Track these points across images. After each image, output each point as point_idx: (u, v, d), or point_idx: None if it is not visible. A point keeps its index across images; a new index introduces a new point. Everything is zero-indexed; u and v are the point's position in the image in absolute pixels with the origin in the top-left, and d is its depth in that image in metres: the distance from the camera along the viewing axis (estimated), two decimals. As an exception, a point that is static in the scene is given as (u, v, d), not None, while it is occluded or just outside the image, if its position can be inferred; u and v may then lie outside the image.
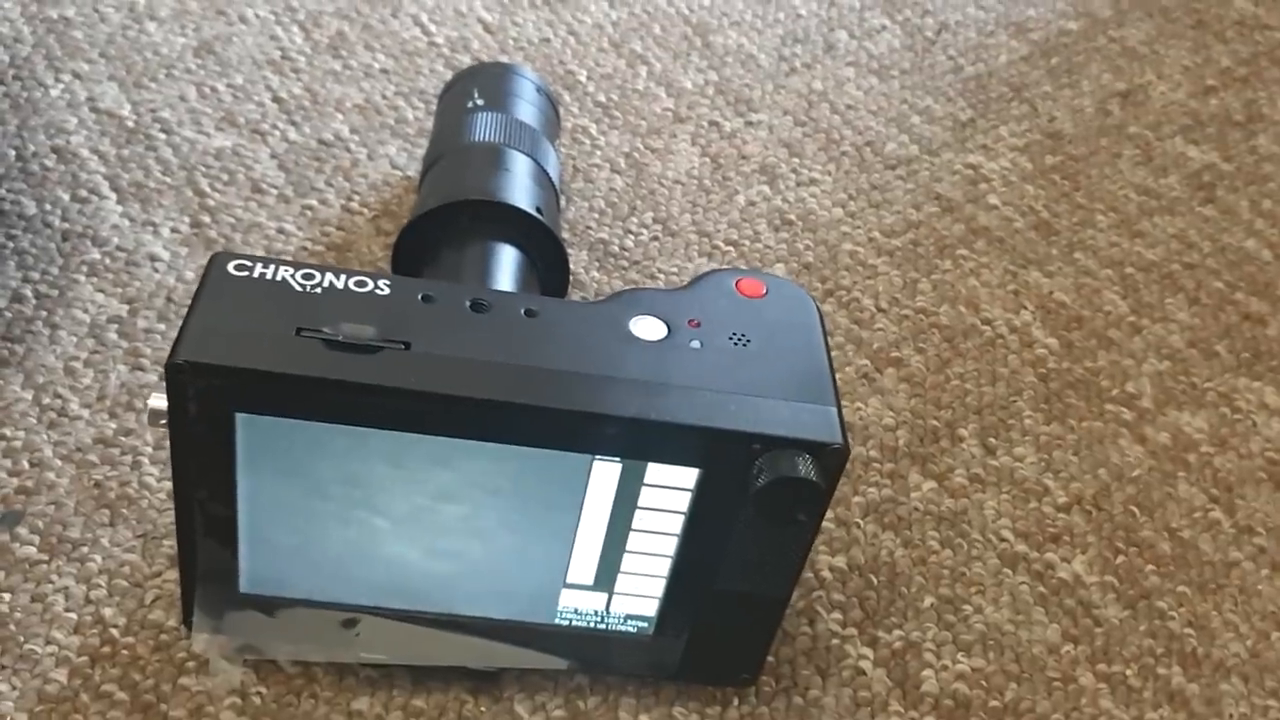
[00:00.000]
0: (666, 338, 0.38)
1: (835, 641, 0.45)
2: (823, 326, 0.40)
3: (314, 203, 0.57)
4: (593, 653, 0.41)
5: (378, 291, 0.37)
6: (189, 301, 0.52)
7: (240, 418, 0.35)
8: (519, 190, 0.49)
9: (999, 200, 0.63)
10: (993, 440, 0.53)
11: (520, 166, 0.50)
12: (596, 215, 0.59)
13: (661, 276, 0.56)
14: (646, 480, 0.37)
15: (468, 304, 0.37)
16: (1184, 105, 0.70)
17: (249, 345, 0.34)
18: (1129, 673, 0.46)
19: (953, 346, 0.56)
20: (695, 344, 0.38)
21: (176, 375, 0.34)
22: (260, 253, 0.54)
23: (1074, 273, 0.60)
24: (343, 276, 0.37)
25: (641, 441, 0.36)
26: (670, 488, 0.37)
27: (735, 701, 0.43)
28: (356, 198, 0.57)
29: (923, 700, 0.44)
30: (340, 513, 0.37)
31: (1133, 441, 0.53)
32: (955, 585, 0.48)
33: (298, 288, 0.36)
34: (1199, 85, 0.72)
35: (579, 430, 0.36)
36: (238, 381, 0.34)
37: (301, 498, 0.37)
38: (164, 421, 0.35)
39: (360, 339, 0.35)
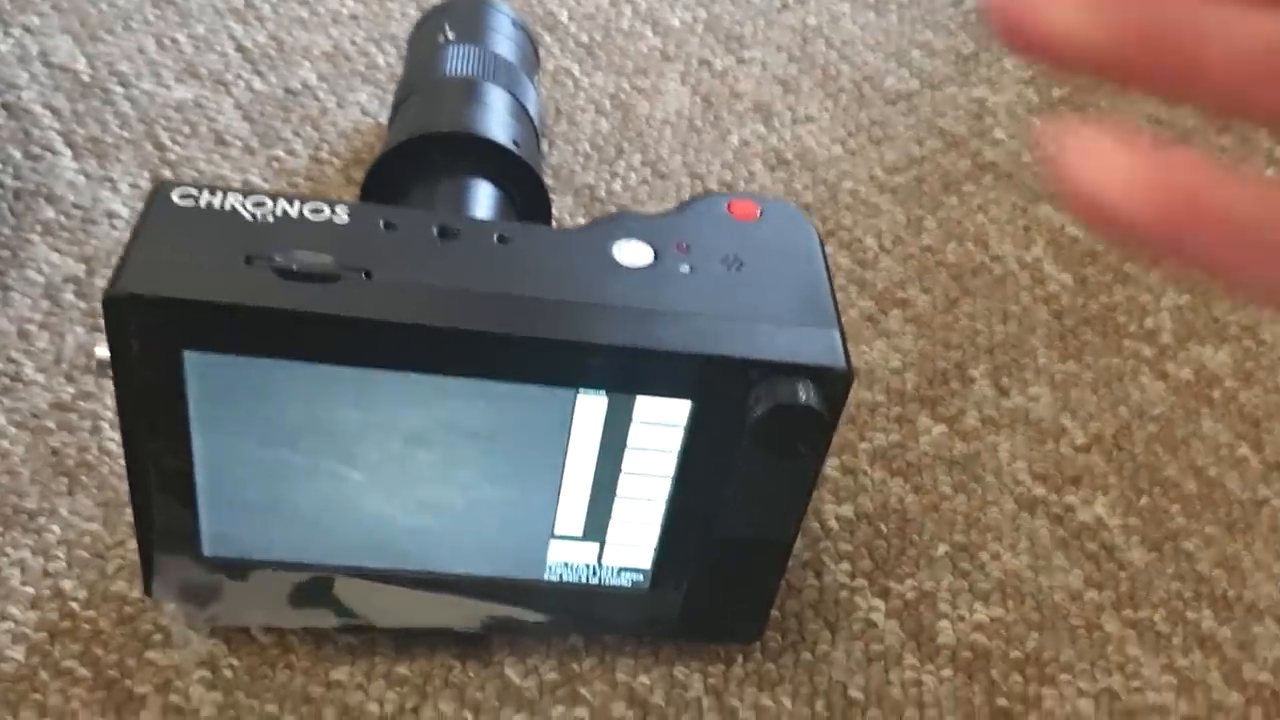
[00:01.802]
0: (653, 263, 0.35)
1: (844, 594, 0.42)
2: (822, 248, 0.37)
3: (281, 153, 0.54)
4: (586, 610, 0.39)
5: (335, 219, 0.34)
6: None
7: (190, 356, 0.32)
8: (495, 123, 0.46)
9: (1005, 134, 0.60)
10: (1005, 380, 0.50)
11: (497, 100, 0.47)
12: (582, 159, 0.56)
13: (651, 220, 0.53)
14: (635, 416, 0.34)
15: (435, 230, 0.35)
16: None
17: (195, 276, 0.31)
18: (1156, 618, 0.43)
19: (961, 285, 0.53)
20: (684, 268, 0.35)
21: (117, 309, 0.31)
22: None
23: (1086, 206, 0.57)
24: (296, 203, 0.34)
25: (628, 372, 0.33)
26: (661, 424, 0.34)
27: (740, 659, 0.40)
28: (326, 146, 0.54)
29: (939, 653, 0.41)
30: (307, 463, 0.35)
31: (1153, 378, 0.51)
32: (970, 532, 0.45)
33: (248, 216, 0.33)
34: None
35: (560, 361, 0.33)
36: (183, 313, 0.31)
37: (263, 448, 0.34)
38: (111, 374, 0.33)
39: (316, 268, 0.32)
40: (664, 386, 0.33)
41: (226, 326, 0.31)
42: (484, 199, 0.43)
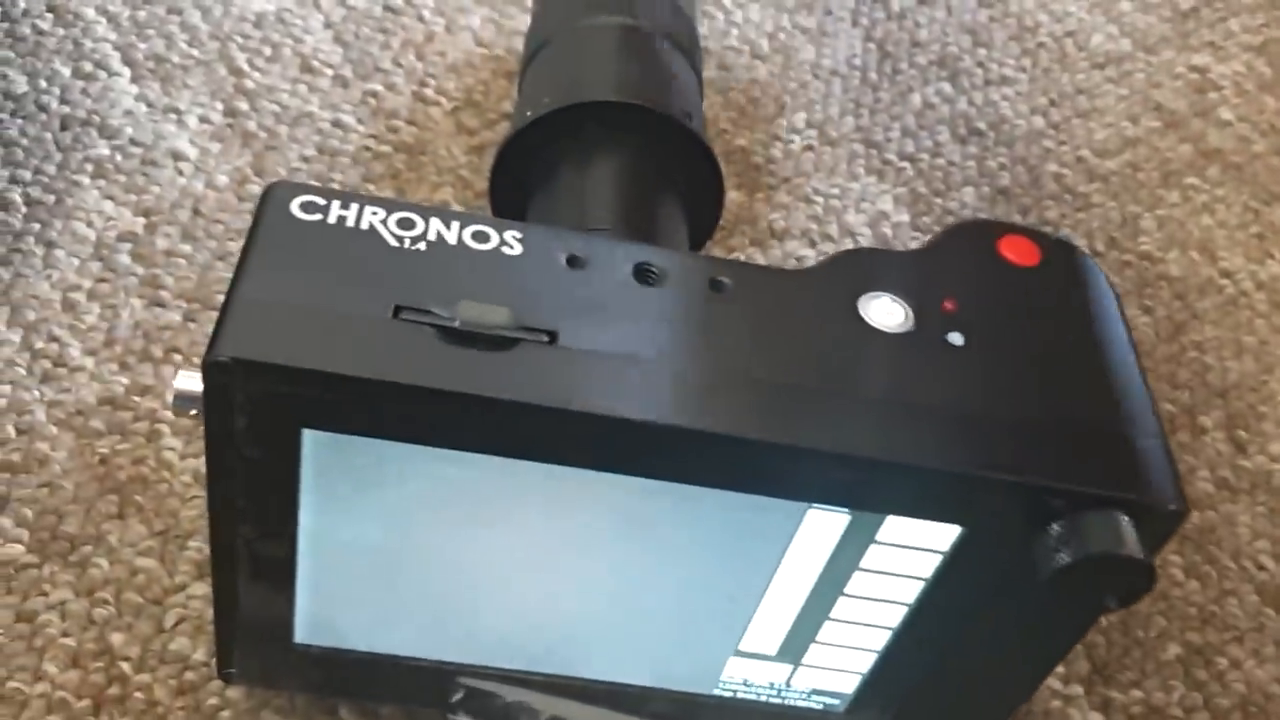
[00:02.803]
0: (914, 330, 0.26)
1: (1056, 704, 0.35)
2: (1122, 313, 0.29)
3: (378, 87, 0.44)
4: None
5: (505, 250, 0.25)
6: (220, 215, 0.40)
7: (310, 436, 0.24)
8: (662, 87, 0.37)
9: (1232, 115, 0.50)
10: (1242, 434, 0.41)
11: (659, 53, 0.38)
12: (734, 115, 0.46)
13: (820, 200, 0.44)
14: (880, 536, 0.26)
15: (630, 270, 0.26)
16: None
17: (327, 333, 0.23)
18: None
19: (1187, 305, 0.44)
20: (955, 338, 0.27)
21: (221, 377, 0.22)
22: (312, 152, 0.42)
23: (1329, 212, 0.48)
24: (454, 225, 0.25)
25: (882, 489, 0.25)
26: (914, 548, 0.26)
27: (934, 786, 0.33)
28: (432, 83, 0.45)
29: (1171, 788, 0.34)
30: (440, 557, 0.27)
31: None
32: (1205, 629, 0.37)
33: (393, 241, 0.25)
34: None
35: (794, 472, 0.24)
36: (310, 389, 0.23)
37: (386, 536, 0.26)
38: (195, 412, 0.24)
39: (488, 326, 0.23)
40: (928, 509, 0.25)
41: (366, 405, 0.23)
42: (650, 190, 0.35)
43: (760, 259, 0.42)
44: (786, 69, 0.48)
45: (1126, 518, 0.24)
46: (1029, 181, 0.46)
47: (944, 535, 0.26)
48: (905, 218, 0.44)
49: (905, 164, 0.46)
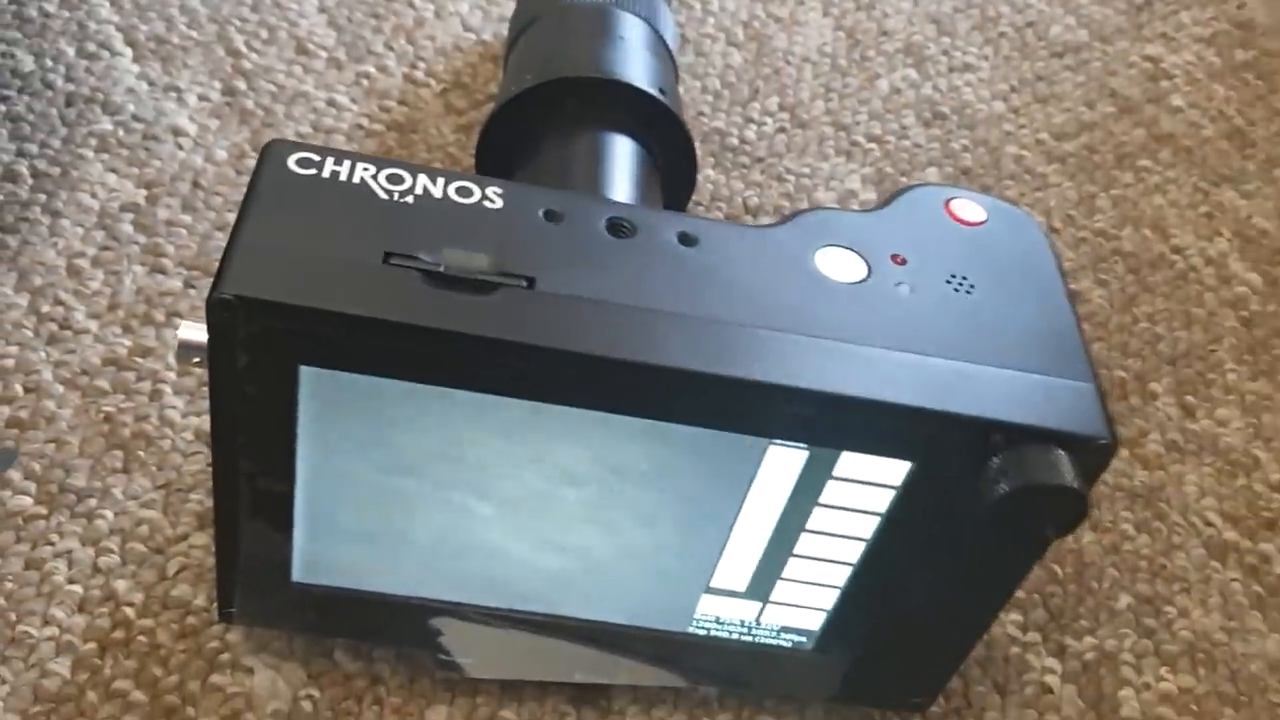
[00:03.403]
0: (865, 279, 0.29)
1: (1015, 650, 0.37)
2: (1060, 266, 0.31)
3: (371, 69, 0.46)
4: (732, 668, 0.33)
5: (487, 203, 0.27)
6: (219, 188, 0.42)
7: (306, 372, 0.26)
8: (636, 64, 0.39)
9: (1184, 101, 0.52)
10: (1190, 398, 0.43)
11: (635, 33, 0.40)
12: (711, 98, 0.48)
13: (791, 179, 0.46)
14: (836, 472, 0.28)
15: (604, 225, 0.28)
16: (1399, -8, 0.59)
17: (322, 276, 0.25)
18: (1366, 698, 0.38)
19: (1139, 279, 0.46)
20: (903, 288, 0.29)
21: (224, 314, 0.24)
22: (307, 130, 0.44)
23: (1275, 194, 0.50)
24: (440, 181, 0.27)
25: (837, 424, 0.27)
26: (868, 483, 0.28)
27: (896, 724, 0.35)
28: (422, 65, 0.47)
29: (1121, 727, 0.36)
30: (428, 492, 0.28)
31: (1355, 405, 0.44)
32: (1155, 581, 0.39)
33: (382, 194, 0.27)
34: None
35: (755, 408, 0.26)
36: (307, 326, 0.24)
37: (380, 473, 0.28)
38: (198, 361, 0.26)
39: (470, 271, 0.25)
40: (880, 444, 0.27)
41: (359, 343, 0.25)
42: (627, 162, 0.37)
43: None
44: (760, 56, 0.50)
45: (1062, 451, 0.26)
46: (990, 162, 0.48)
47: (896, 471, 0.28)
48: (872, 195, 0.46)
49: (872, 145, 0.48)
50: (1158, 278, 0.46)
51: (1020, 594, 0.38)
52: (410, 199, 0.27)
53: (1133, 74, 0.53)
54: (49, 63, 0.44)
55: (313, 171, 0.27)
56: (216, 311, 0.24)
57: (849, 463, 0.28)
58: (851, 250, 0.29)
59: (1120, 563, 0.39)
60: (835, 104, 0.49)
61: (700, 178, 0.45)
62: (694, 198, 0.45)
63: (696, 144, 0.45)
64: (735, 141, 0.47)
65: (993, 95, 0.51)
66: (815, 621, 0.32)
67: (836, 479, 0.28)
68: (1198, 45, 0.55)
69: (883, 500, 0.28)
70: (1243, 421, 0.43)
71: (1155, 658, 0.37)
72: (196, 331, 0.26)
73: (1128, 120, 0.51)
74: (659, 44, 0.41)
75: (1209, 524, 0.40)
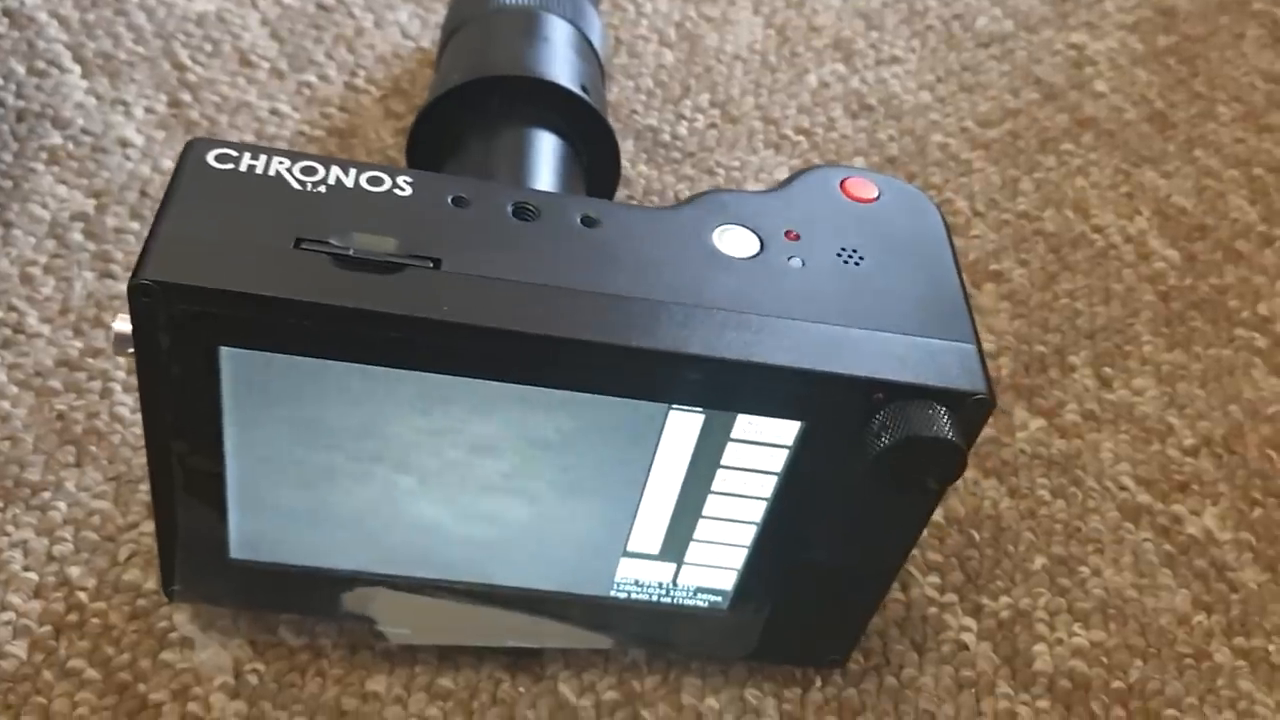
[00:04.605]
0: (759, 254, 0.30)
1: (933, 610, 0.38)
2: (950, 239, 0.32)
3: (312, 78, 0.48)
4: (654, 630, 0.35)
5: (397, 191, 0.29)
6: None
7: (226, 352, 0.27)
8: (560, 63, 0.41)
9: (1106, 87, 0.54)
10: (1108, 370, 0.45)
11: (560, 35, 0.42)
12: (644, 97, 0.50)
13: (721, 172, 0.48)
14: (734, 434, 0.30)
15: (510, 209, 0.30)
16: (1314, -23, 0.61)
17: (236, 261, 0.26)
18: (1271, 648, 0.39)
19: (1060, 258, 0.48)
20: (795, 262, 0.30)
21: (144, 299, 0.26)
22: (250, 138, 0.46)
23: (1194, 173, 0.52)
24: (352, 171, 0.29)
25: (731, 388, 0.29)
26: (763, 444, 0.30)
27: (818, 682, 0.36)
28: (362, 73, 0.49)
29: (1035, 680, 0.37)
30: (353, 468, 0.30)
31: (1267, 373, 0.46)
32: (1069, 543, 0.41)
33: (296, 185, 0.28)
34: (1330, -46, 0.63)
35: (653, 374, 0.28)
36: (222, 307, 0.26)
37: (304, 450, 0.30)
38: (132, 350, 0.28)
39: (378, 253, 0.27)
40: (771, 406, 0.29)
41: (272, 322, 0.27)
42: (550, 155, 0.38)
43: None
44: (692, 55, 0.52)
45: (942, 407, 0.28)
46: (915, 151, 0.50)
47: (788, 431, 0.29)
48: (800, 184, 0.48)
49: (800, 138, 0.50)
50: (1078, 256, 0.48)
51: (938, 557, 0.39)
52: (323, 189, 0.29)
53: (1057, 61, 0.55)
54: (0, 81, 0.46)
55: (230, 166, 0.28)
56: (138, 296, 0.26)
57: (745, 425, 0.29)
58: (746, 228, 0.31)
59: (1036, 527, 0.41)
60: (765, 99, 0.51)
61: (634, 173, 0.47)
62: (628, 192, 0.46)
63: (630, 141, 0.47)
64: (668, 138, 0.49)
65: (919, 86, 0.53)
66: (728, 581, 0.33)
67: (735, 440, 0.30)
68: (1121, 32, 0.57)
69: (778, 460, 0.30)
70: (1158, 391, 0.45)
71: (1068, 615, 0.39)
72: (128, 324, 0.28)
73: (1051, 106, 0.53)
74: (584, 44, 0.43)
75: (1123, 488, 0.42)
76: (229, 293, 0.26)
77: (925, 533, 0.40)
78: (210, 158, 0.28)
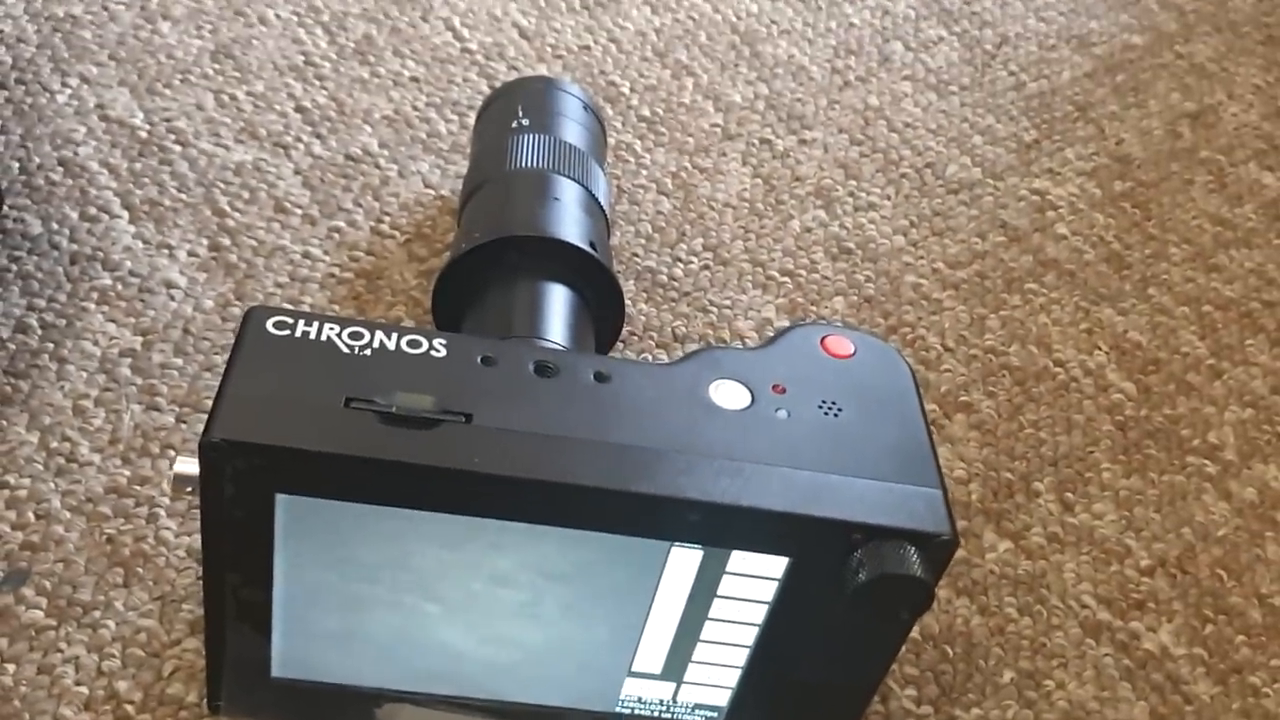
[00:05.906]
0: (750, 406, 0.34)
1: (910, 722, 0.42)
2: (918, 392, 0.36)
3: (342, 224, 0.53)
4: (655, 742, 0.38)
5: (433, 353, 0.33)
6: (207, 334, 0.48)
7: (281, 499, 0.31)
8: (570, 223, 0.45)
9: (1067, 230, 0.59)
10: (1070, 495, 0.49)
11: (570, 195, 0.47)
12: (643, 241, 0.55)
13: (714, 310, 0.52)
14: (729, 568, 0.33)
15: (531, 367, 0.34)
16: (1257, 128, 0.67)
17: (294, 420, 0.30)
18: (1223, 757, 0.43)
19: (1025, 390, 0.52)
20: (782, 414, 0.34)
21: (213, 454, 0.30)
22: (285, 280, 0.50)
23: (1149, 310, 0.56)
24: (394, 336, 0.33)
25: (726, 528, 0.32)
26: (755, 576, 0.33)
27: (805, 791, 0.39)
28: (387, 219, 0.53)
29: (1005, 789, 0.41)
30: (387, 597, 0.34)
31: (1217, 497, 0.50)
32: (1035, 658, 0.44)
33: (345, 349, 0.33)
34: (1272, 106, 0.68)
35: (657, 516, 0.32)
36: (282, 462, 0.30)
37: (344, 581, 0.33)
38: (191, 490, 0.32)
39: (417, 411, 0.31)
40: (762, 543, 0.33)
41: (325, 474, 0.30)
42: (561, 306, 0.43)
43: (665, 358, 0.50)
44: (687, 203, 0.57)
45: (912, 547, 0.32)
46: (890, 290, 0.55)
47: (777, 565, 0.33)
48: (785, 323, 0.52)
49: (785, 279, 0.54)
50: (1041, 388, 0.52)
51: (914, 671, 0.43)
52: (369, 351, 0.33)
53: (1022, 206, 0.60)
54: (55, 225, 0.50)
55: (286, 332, 0.32)
56: (207, 451, 0.30)
57: (739, 560, 0.33)
58: (738, 382, 0.35)
59: (1005, 643, 0.44)
60: (753, 243, 0.56)
61: (634, 310, 0.52)
62: (628, 328, 0.51)
63: (630, 282, 0.51)
64: (665, 278, 0.53)
65: (894, 230, 0.57)
66: (723, 698, 0.37)
67: (730, 573, 0.33)
68: (1080, 178, 0.62)
69: (769, 590, 0.34)
70: (1116, 515, 0.49)
71: (1036, 726, 0.42)
72: (189, 465, 0.31)
73: (1016, 248, 0.58)
74: (591, 202, 0.47)
75: (1085, 606, 0.46)
76: (289, 449, 0.30)
77: (902, 649, 0.43)
78: (269, 325, 0.33)
